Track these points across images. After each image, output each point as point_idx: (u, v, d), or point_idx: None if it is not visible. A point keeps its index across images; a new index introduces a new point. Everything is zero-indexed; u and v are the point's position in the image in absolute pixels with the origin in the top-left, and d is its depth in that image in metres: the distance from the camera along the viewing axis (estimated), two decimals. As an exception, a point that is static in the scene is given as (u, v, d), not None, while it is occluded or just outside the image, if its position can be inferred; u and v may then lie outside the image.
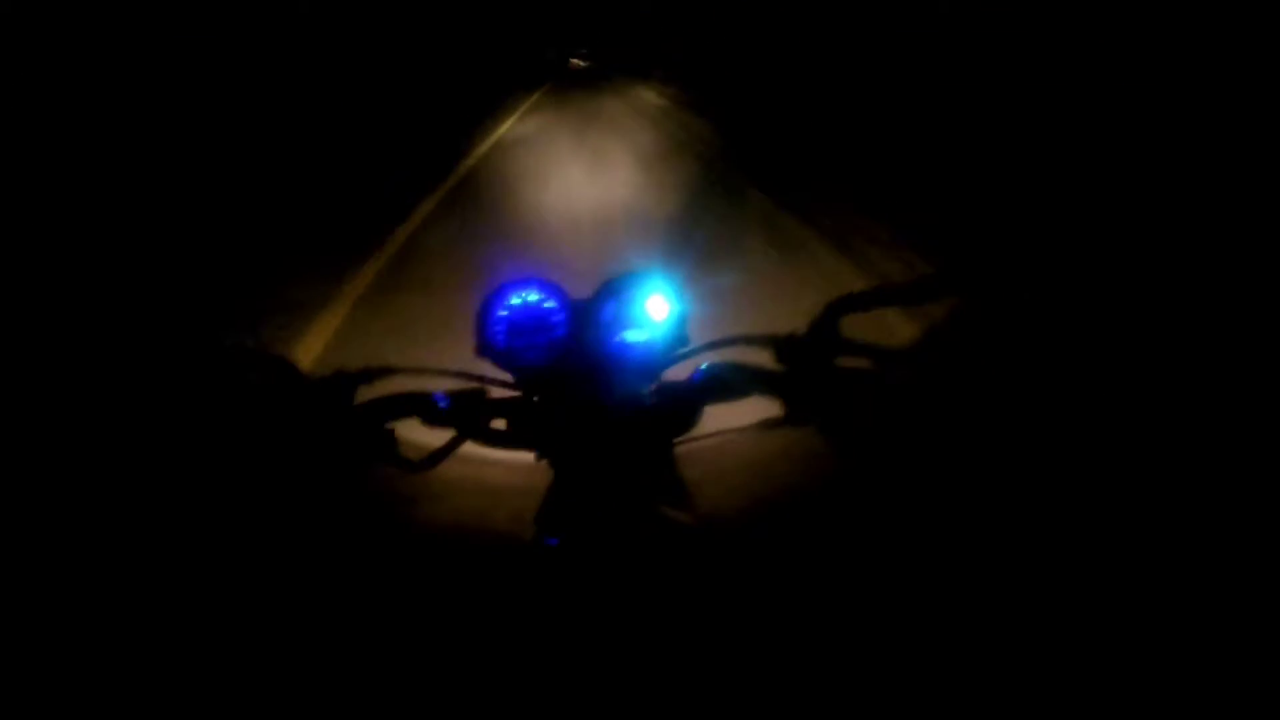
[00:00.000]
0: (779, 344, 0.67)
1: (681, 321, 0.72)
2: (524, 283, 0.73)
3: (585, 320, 0.72)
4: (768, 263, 4.02)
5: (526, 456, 0.70)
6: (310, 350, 3.00)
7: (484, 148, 9.03)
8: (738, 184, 6.10)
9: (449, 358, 0.73)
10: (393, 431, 0.67)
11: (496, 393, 0.71)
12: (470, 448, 0.69)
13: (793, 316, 0.68)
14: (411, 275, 4.12)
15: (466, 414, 0.69)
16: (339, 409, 0.65)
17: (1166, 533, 0.55)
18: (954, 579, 0.62)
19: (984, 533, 0.62)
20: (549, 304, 0.73)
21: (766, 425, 0.68)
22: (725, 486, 0.78)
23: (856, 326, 0.65)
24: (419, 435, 0.67)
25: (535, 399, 0.70)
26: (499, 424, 0.70)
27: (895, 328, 0.74)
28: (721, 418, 0.71)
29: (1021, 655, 0.56)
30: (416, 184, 6.49)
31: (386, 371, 0.68)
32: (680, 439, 0.70)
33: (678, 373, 0.71)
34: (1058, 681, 0.54)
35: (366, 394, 0.67)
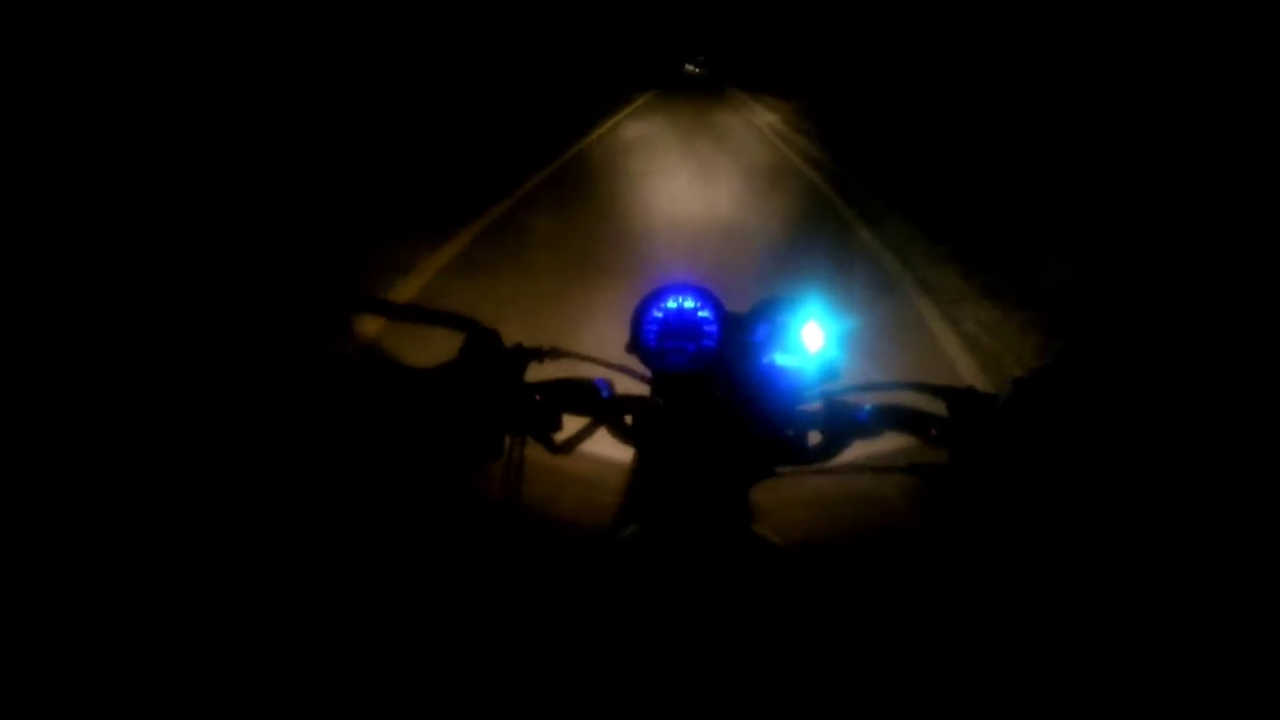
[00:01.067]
0: (953, 396, 0.65)
1: (836, 353, 0.70)
2: (683, 288, 0.74)
3: (736, 335, 0.71)
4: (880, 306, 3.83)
5: (627, 453, 0.71)
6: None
7: (590, 139, 9.19)
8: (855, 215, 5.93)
9: (544, 336, 0.74)
10: (559, 415, 0.69)
11: (633, 387, 0.72)
12: (591, 441, 0.70)
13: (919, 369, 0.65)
14: (512, 255, 4.24)
15: (613, 406, 0.70)
16: (514, 383, 0.68)
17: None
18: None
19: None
20: (704, 313, 0.73)
21: (916, 470, 0.65)
22: (831, 520, 0.76)
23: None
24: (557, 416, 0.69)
25: (665, 401, 0.70)
26: (627, 419, 0.70)
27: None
28: (846, 454, 0.70)
29: None
30: (526, 163, 6.66)
31: (557, 354, 0.71)
32: (801, 468, 0.69)
33: (821, 404, 0.70)
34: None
35: (537, 373, 0.70)
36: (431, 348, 0.68)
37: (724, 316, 0.73)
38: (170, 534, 0.67)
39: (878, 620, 0.65)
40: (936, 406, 0.66)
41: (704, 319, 0.73)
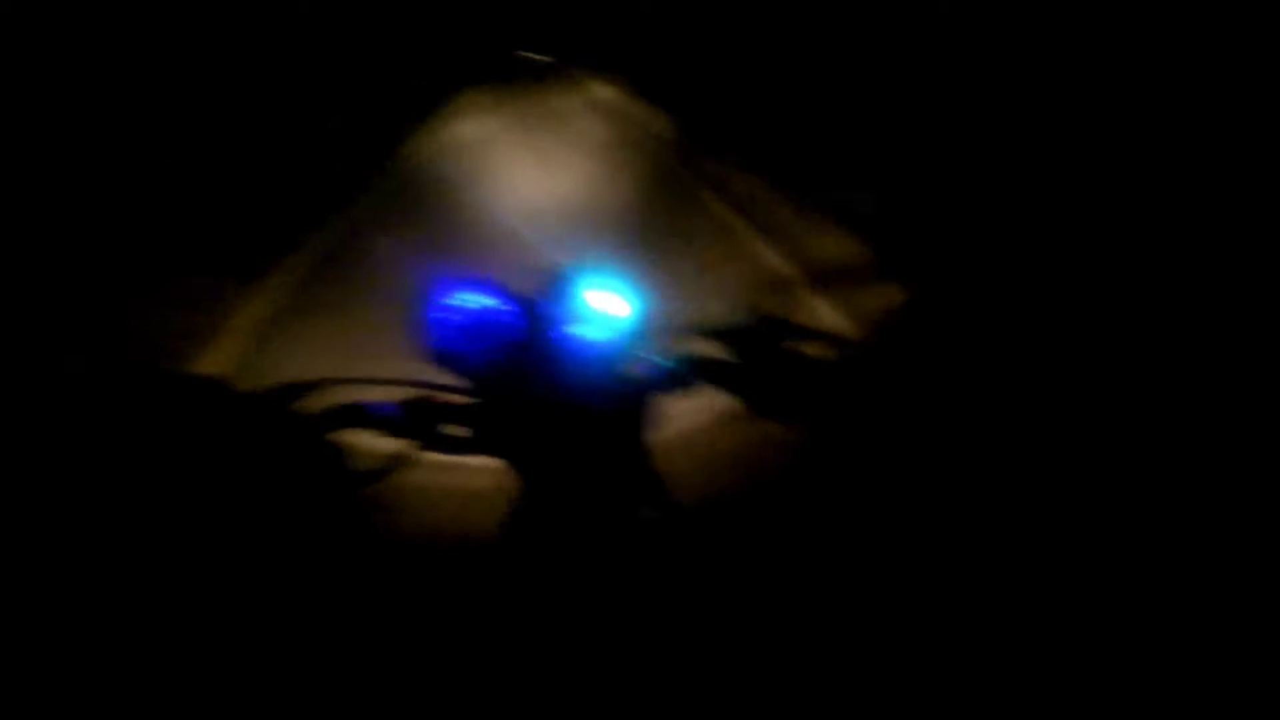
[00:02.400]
0: (727, 334, 0.63)
1: (635, 316, 0.66)
2: (469, 284, 0.68)
3: (537, 318, 0.67)
4: (711, 256, 4.00)
5: (492, 461, 0.65)
6: (225, 357, 2.80)
7: (419, 145, 8.82)
8: (684, 178, 6.09)
9: (389, 367, 0.66)
10: (337, 444, 0.60)
11: (452, 398, 0.65)
12: (429, 455, 0.63)
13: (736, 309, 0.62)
14: (342, 280, 3.92)
15: (421, 422, 0.64)
16: (279, 423, 0.59)
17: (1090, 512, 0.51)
18: (916, 564, 0.58)
19: (938, 517, 0.58)
20: (498, 304, 0.68)
21: (730, 419, 0.62)
22: (695, 480, 0.74)
23: (792, 316, 0.60)
24: (373, 444, 0.61)
25: (492, 402, 0.65)
26: (459, 430, 0.64)
27: (824, 317, 0.73)
28: (683, 410, 0.67)
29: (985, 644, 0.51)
30: (348, 182, 6.22)
31: (327, 382, 0.62)
32: (645, 434, 0.66)
33: (635, 367, 0.67)
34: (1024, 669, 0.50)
35: (305, 406, 0.61)
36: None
37: (519, 303, 0.68)
38: None
39: (773, 573, 0.62)
40: (724, 350, 0.65)
41: (501, 311, 0.68)
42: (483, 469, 0.70)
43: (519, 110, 12.72)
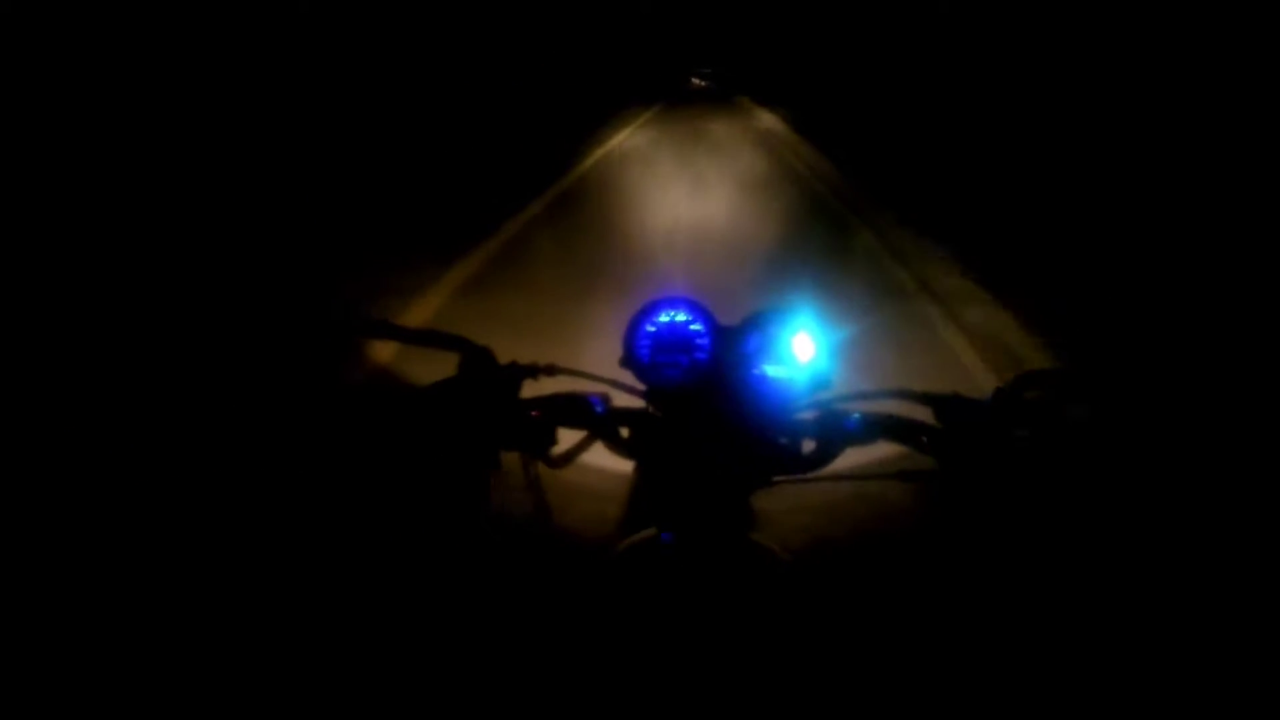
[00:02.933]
0: (941, 404, 0.65)
1: (826, 364, 0.70)
2: (675, 302, 0.75)
3: (729, 347, 0.72)
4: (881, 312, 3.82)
5: (626, 465, 0.71)
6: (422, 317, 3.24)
7: (592, 160, 9.24)
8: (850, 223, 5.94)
9: (553, 357, 0.75)
10: (554, 430, 0.69)
11: (628, 401, 0.72)
12: (585, 447, 0.70)
13: (916, 375, 0.65)
14: (515, 274, 4.25)
15: (608, 420, 0.71)
16: (509, 400, 0.69)
17: None
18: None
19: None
20: (695, 326, 0.74)
21: (909, 476, 0.65)
22: (830, 525, 0.76)
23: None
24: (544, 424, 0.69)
25: (660, 413, 0.71)
26: (623, 431, 0.71)
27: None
28: (845, 465, 0.70)
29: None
30: (524, 187, 6.69)
31: (552, 370, 0.71)
32: (796, 476, 0.69)
33: (814, 414, 0.70)
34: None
35: (532, 390, 0.71)
36: (434, 368, 0.69)
37: (716, 329, 0.73)
38: (173, 548, 0.68)
39: (878, 623, 0.65)
40: (925, 414, 0.66)
41: (696, 332, 0.74)
42: (623, 476, 0.75)
43: (678, 133, 12.98)
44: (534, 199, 6.41)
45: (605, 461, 0.73)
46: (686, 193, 7.05)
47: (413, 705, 0.60)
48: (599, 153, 9.85)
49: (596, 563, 0.61)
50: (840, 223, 6.01)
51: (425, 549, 0.73)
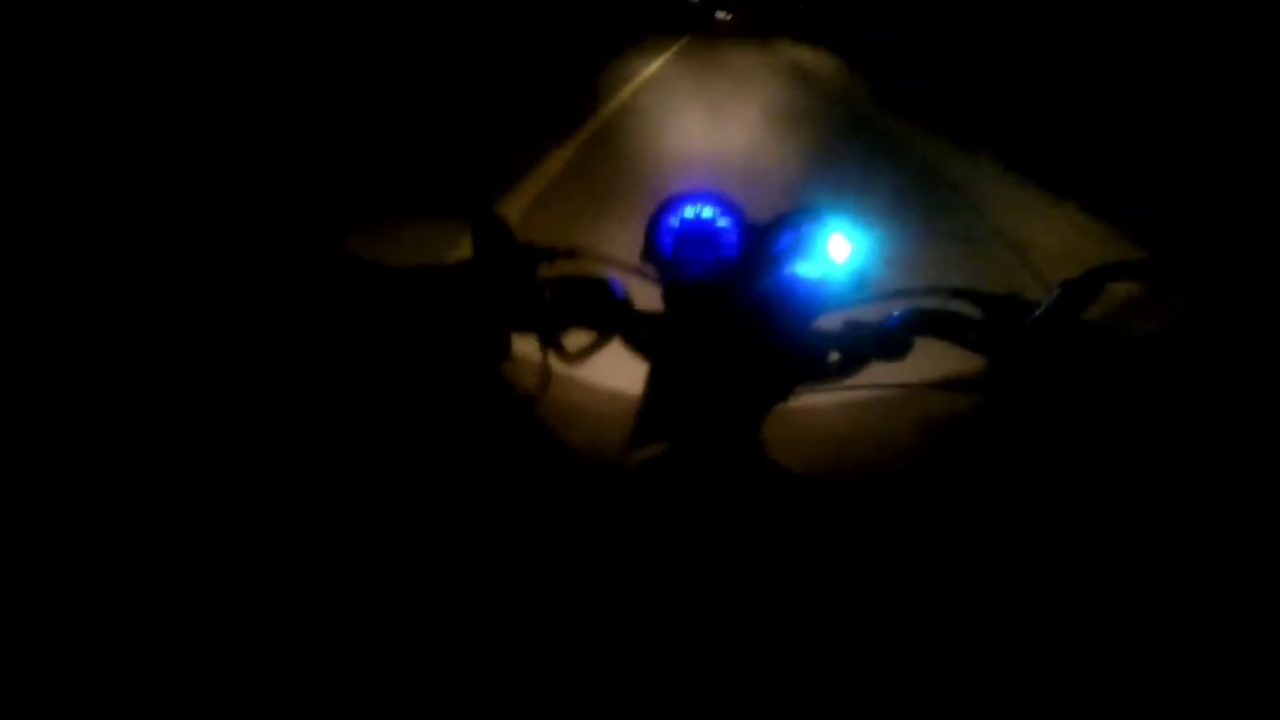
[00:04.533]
0: (998, 303, 0.59)
1: (864, 264, 0.65)
2: (700, 196, 0.70)
3: (758, 245, 0.67)
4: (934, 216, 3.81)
5: (639, 377, 0.68)
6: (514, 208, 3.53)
7: (632, 86, 9.02)
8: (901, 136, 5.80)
9: (621, 250, 0.71)
10: (571, 314, 0.65)
11: (648, 298, 0.68)
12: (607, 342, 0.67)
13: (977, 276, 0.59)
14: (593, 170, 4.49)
15: (629, 314, 0.66)
16: (527, 278, 0.64)
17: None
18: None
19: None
20: (722, 221, 0.69)
21: (954, 384, 0.60)
22: (838, 456, 0.72)
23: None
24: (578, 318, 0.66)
25: (680, 312, 0.67)
26: (640, 329, 0.67)
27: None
28: (876, 374, 0.66)
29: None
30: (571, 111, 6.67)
31: (573, 253, 0.67)
32: (825, 387, 0.65)
33: (849, 317, 0.66)
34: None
35: (549, 270, 0.67)
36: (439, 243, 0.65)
37: (744, 225, 0.69)
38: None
39: (895, 553, 0.61)
40: (972, 313, 0.60)
41: (722, 228, 0.69)
42: (636, 381, 0.72)
43: (697, 65, 12.57)
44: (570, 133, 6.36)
45: (618, 369, 0.70)
46: (717, 121, 6.90)
47: (421, 622, 0.59)
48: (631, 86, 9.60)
49: (607, 473, 0.58)
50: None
51: (432, 439, 0.70)
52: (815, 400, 0.67)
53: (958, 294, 0.61)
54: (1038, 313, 0.56)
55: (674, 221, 0.70)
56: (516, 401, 0.66)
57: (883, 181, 4.60)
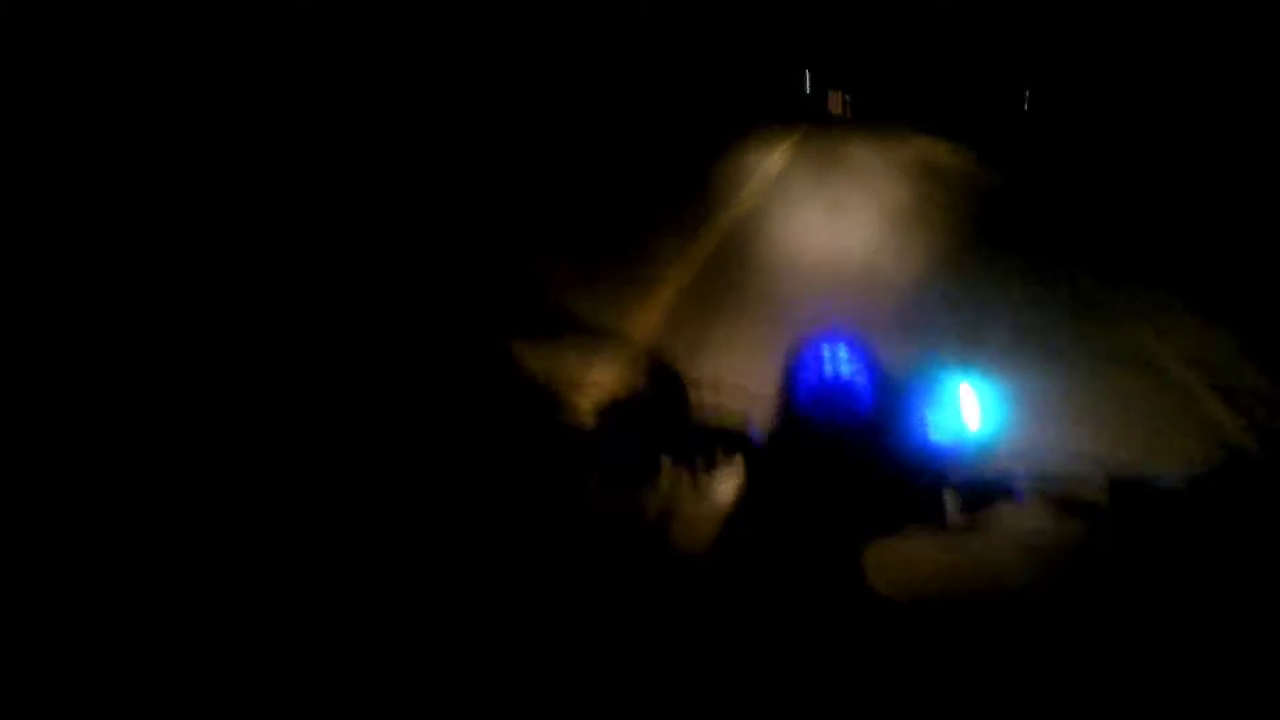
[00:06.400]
0: (1120, 483, 0.61)
1: (993, 430, 0.68)
2: (835, 339, 0.73)
3: (890, 401, 0.70)
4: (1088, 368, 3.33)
5: (759, 489, 0.73)
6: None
7: (755, 185, 9.02)
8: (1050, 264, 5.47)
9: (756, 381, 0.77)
10: (715, 449, 0.73)
11: (780, 431, 0.73)
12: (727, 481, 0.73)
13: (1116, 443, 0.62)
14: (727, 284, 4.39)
15: (757, 448, 0.73)
16: (679, 410, 0.74)
17: None
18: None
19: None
20: (859, 377, 0.72)
21: (1069, 551, 0.64)
22: (945, 585, 0.73)
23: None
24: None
25: (807, 450, 0.71)
26: (766, 459, 0.73)
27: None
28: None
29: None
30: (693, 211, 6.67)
31: (720, 388, 0.75)
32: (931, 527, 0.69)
33: (964, 481, 0.69)
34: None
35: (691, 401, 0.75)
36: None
37: (878, 379, 0.72)
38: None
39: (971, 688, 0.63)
40: (1096, 488, 0.62)
41: (859, 385, 0.71)
42: (750, 497, 0.79)
43: (813, 155, 12.70)
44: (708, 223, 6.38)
45: (739, 483, 0.73)
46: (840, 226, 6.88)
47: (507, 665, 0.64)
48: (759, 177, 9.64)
49: (708, 570, 0.63)
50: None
51: (574, 535, 0.80)
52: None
53: (1082, 460, 0.64)
54: (1161, 493, 0.58)
55: (810, 369, 0.73)
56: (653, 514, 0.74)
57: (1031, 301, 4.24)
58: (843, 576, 0.62)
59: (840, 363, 0.73)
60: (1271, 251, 4.11)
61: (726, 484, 0.73)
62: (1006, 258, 5.60)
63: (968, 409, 0.69)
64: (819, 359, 0.73)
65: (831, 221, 6.97)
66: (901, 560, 0.71)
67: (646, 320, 3.65)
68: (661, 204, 7.02)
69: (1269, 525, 0.54)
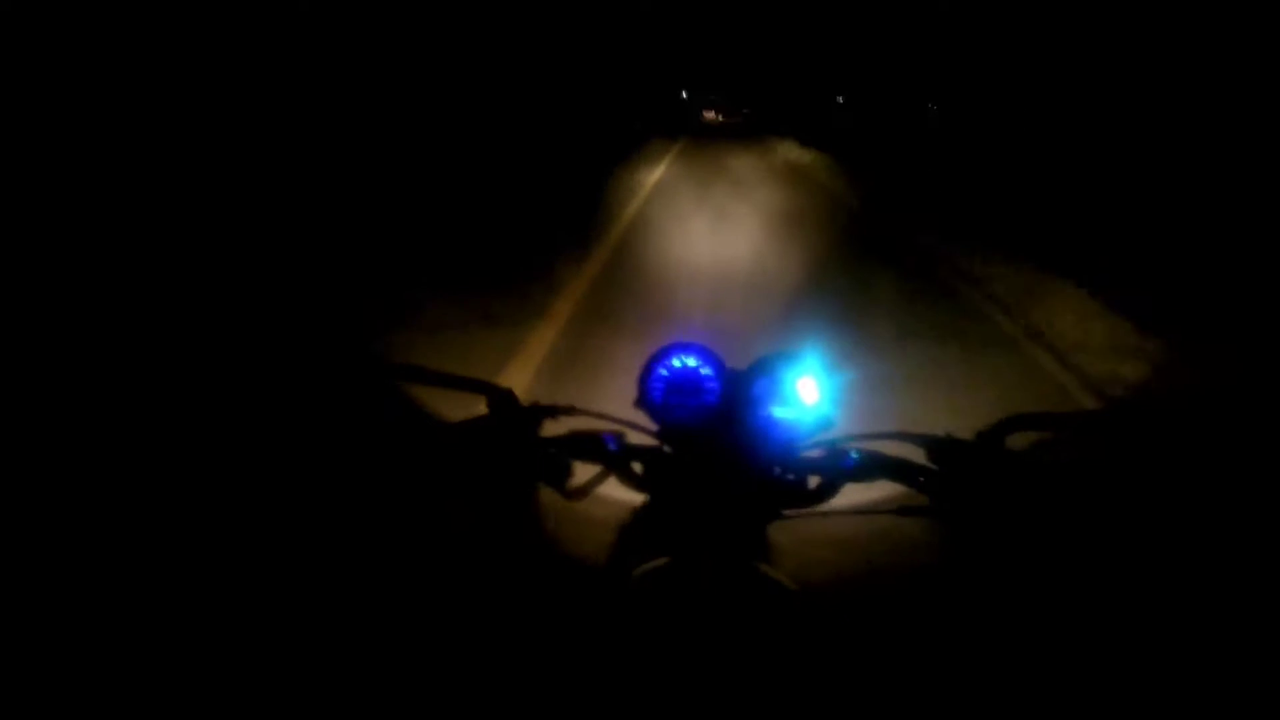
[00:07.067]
0: (934, 444, 0.70)
1: (829, 407, 0.76)
2: (686, 347, 0.81)
3: (737, 390, 0.78)
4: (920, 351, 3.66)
5: (637, 498, 0.77)
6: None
7: (639, 199, 9.15)
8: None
9: (614, 401, 0.81)
10: (571, 465, 0.75)
11: (641, 439, 0.79)
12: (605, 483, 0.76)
13: (939, 414, 0.69)
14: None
15: (622, 457, 0.76)
16: (530, 437, 0.76)
17: None
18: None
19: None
20: (705, 370, 0.80)
21: (908, 511, 0.70)
22: (834, 561, 0.78)
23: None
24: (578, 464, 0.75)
25: (671, 451, 0.77)
26: (636, 467, 0.77)
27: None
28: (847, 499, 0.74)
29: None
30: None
31: (572, 410, 0.78)
32: (800, 511, 0.74)
33: (817, 452, 0.76)
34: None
35: (552, 428, 0.78)
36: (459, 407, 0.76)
37: (724, 373, 0.80)
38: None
39: (885, 652, 0.67)
40: (917, 453, 0.71)
41: (705, 376, 0.80)
42: (635, 509, 0.81)
43: (693, 167, 13.25)
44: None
45: (619, 495, 0.78)
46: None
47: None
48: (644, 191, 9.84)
49: (611, 588, 0.63)
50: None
51: (447, 577, 0.79)
52: (804, 517, 0.75)
53: (904, 437, 0.72)
54: (969, 455, 0.67)
55: (663, 371, 0.81)
56: (532, 531, 0.75)
57: (894, 288, 4.63)
58: (747, 570, 0.63)
59: (688, 361, 0.80)
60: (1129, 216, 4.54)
61: (597, 500, 0.76)
62: (869, 247, 6.04)
63: (805, 394, 0.76)
64: (670, 361, 0.80)
65: (711, 225, 7.27)
66: (793, 544, 0.75)
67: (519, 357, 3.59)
68: (548, 228, 6.88)
69: (1111, 488, 0.62)
